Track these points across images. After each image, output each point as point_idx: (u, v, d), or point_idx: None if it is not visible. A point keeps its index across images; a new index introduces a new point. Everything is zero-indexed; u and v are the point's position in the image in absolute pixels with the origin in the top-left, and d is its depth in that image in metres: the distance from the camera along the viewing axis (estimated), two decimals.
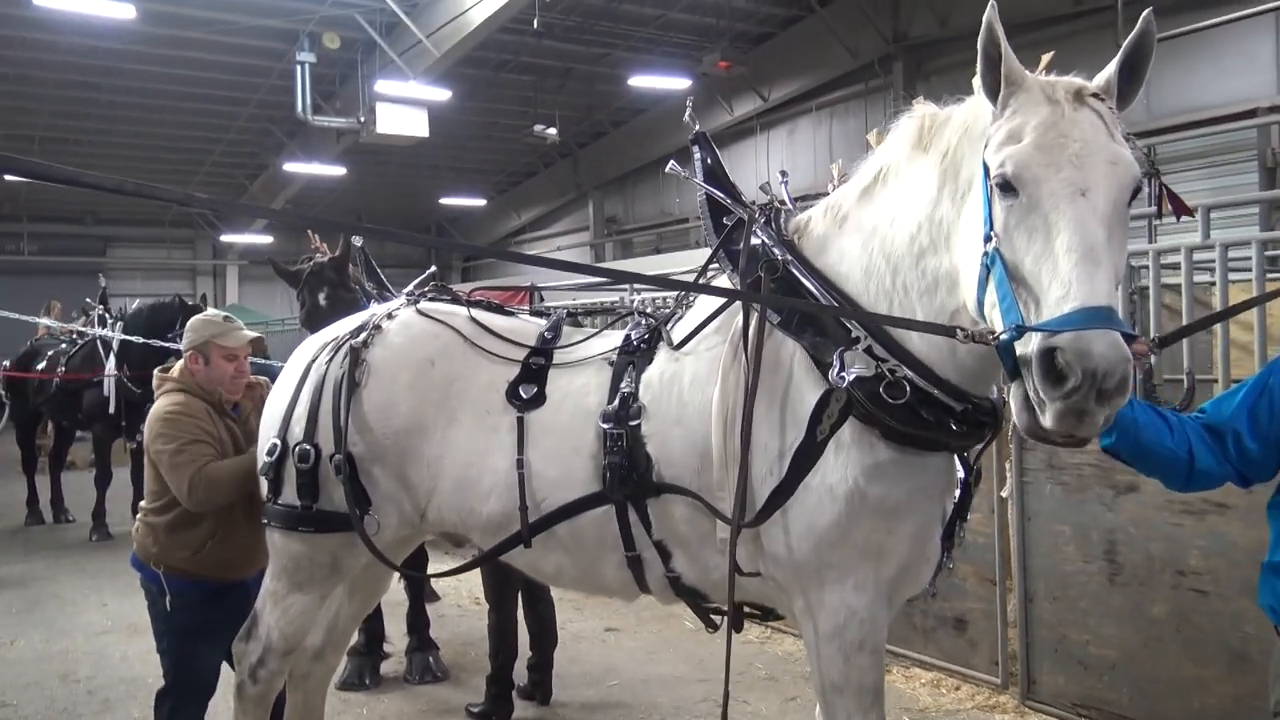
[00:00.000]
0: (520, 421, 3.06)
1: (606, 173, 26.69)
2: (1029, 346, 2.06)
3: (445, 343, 3.30)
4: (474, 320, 3.34)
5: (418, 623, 6.01)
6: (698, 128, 3.16)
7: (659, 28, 19.27)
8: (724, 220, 3.01)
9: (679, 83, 19.21)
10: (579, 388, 3.07)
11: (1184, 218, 2.40)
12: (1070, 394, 1.96)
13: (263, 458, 3.41)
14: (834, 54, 18.73)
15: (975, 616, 5.35)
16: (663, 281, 2.99)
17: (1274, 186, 13.85)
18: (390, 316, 3.43)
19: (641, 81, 19.65)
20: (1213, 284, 5.51)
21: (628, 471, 2.87)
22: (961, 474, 2.83)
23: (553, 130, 21.43)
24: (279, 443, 3.35)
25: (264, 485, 3.43)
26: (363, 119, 19.09)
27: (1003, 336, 2.14)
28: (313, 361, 3.44)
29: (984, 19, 2.24)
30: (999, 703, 5.14)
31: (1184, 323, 4.55)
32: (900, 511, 2.66)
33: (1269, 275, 5.94)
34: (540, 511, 3.02)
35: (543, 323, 3.36)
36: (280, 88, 19.94)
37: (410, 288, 3.60)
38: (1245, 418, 2.41)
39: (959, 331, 2.32)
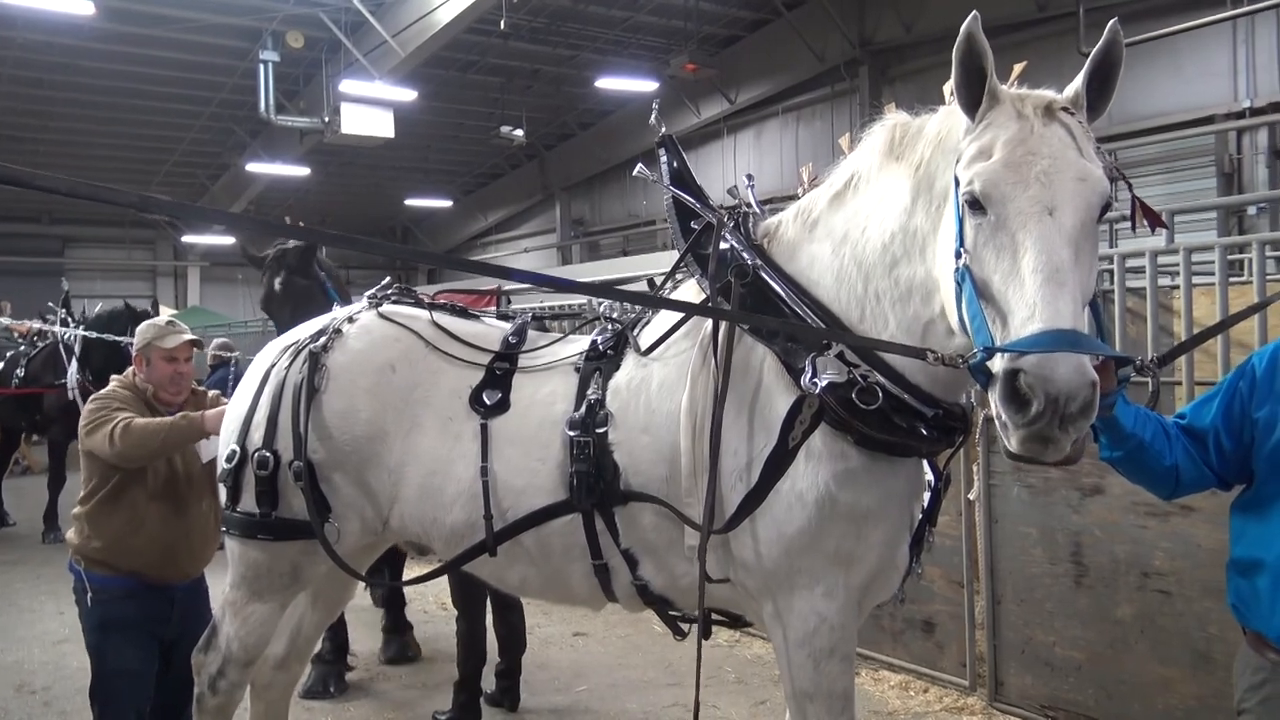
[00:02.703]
0: (484, 429, 3.02)
1: (573, 174, 26.65)
2: (997, 367, 2.06)
3: (406, 347, 3.24)
4: (436, 324, 3.29)
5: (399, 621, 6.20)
6: (664, 130, 3.13)
7: (626, 30, 19.29)
8: (691, 224, 2.99)
9: (646, 85, 19.20)
10: (545, 395, 3.03)
11: (1157, 229, 2.39)
12: (1034, 420, 1.96)
13: (222, 464, 3.35)
14: (800, 57, 18.84)
15: (943, 619, 5.36)
16: (634, 297, 2.96)
17: (1231, 191, 14.11)
18: (351, 320, 3.36)
19: (609, 83, 19.63)
20: (1175, 288, 5.58)
21: (595, 480, 2.83)
22: (931, 479, 2.82)
23: (519, 131, 21.37)
24: (238, 449, 3.29)
25: (223, 492, 3.36)
26: (327, 119, 18.96)
27: (971, 359, 2.14)
28: (272, 366, 3.37)
29: (964, 30, 2.20)
30: (967, 704, 5.15)
31: (1147, 325, 4.60)
32: (870, 518, 2.65)
33: (1231, 279, 6.02)
34: (505, 520, 2.97)
35: (507, 327, 3.32)
36: (243, 86, 19.74)
37: (373, 290, 3.53)
38: (1222, 417, 2.43)
39: (929, 354, 2.32)
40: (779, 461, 2.61)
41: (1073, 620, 4.70)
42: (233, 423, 3.38)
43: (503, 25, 15.31)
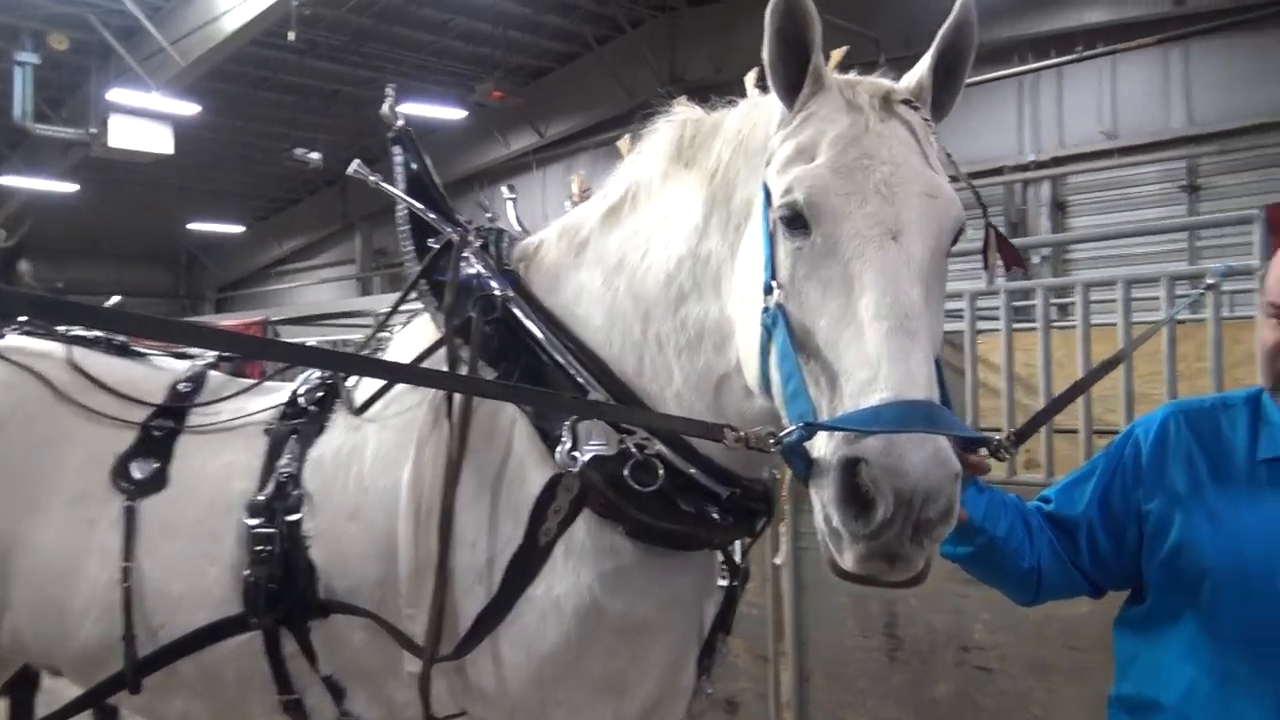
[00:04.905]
0: (130, 513, 2.22)
1: (375, 203, 25.35)
2: (824, 451, 1.50)
3: (24, 396, 2.39)
4: (74, 366, 2.44)
5: None
6: (400, 123, 2.45)
7: (432, 54, 18.60)
8: (430, 242, 2.30)
9: (454, 113, 18.60)
10: (219, 467, 2.25)
11: (1013, 269, 1.94)
12: (880, 530, 1.41)
13: None
14: (611, 92, 18.63)
15: (747, 698, 4.84)
16: (330, 359, 2.24)
17: (1015, 238, 14.73)
18: None
19: (413, 109, 18.70)
20: (988, 333, 5.34)
21: (281, 585, 2.08)
22: (725, 576, 2.23)
23: (316, 154, 20.01)
24: None
25: None
26: (94, 130, 17.17)
27: (787, 438, 1.55)
28: None
29: None
30: None
31: (966, 376, 4.28)
32: (648, 629, 2.04)
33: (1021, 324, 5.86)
34: (156, 642, 2.17)
35: (182, 369, 2.51)
36: None
37: None
38: (1098, 507, 1.92)
39: (727, 431, 1.69)
40: (528, 561, 1.96)
41: (887, 699, 4.27)
42: None
43: (291, 36, 14.20)
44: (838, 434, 1.46)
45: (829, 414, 1.51)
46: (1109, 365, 2.02)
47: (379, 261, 26.07)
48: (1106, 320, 5.17)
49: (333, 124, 21.35)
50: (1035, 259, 14.65)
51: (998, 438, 1.69)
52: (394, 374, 2.07)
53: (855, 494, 1.43)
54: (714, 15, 17.20)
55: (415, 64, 18.72)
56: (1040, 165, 15.14)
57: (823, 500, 1.49)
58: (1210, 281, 2.76)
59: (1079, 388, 1.98)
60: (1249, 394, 1.87)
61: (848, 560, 1.47)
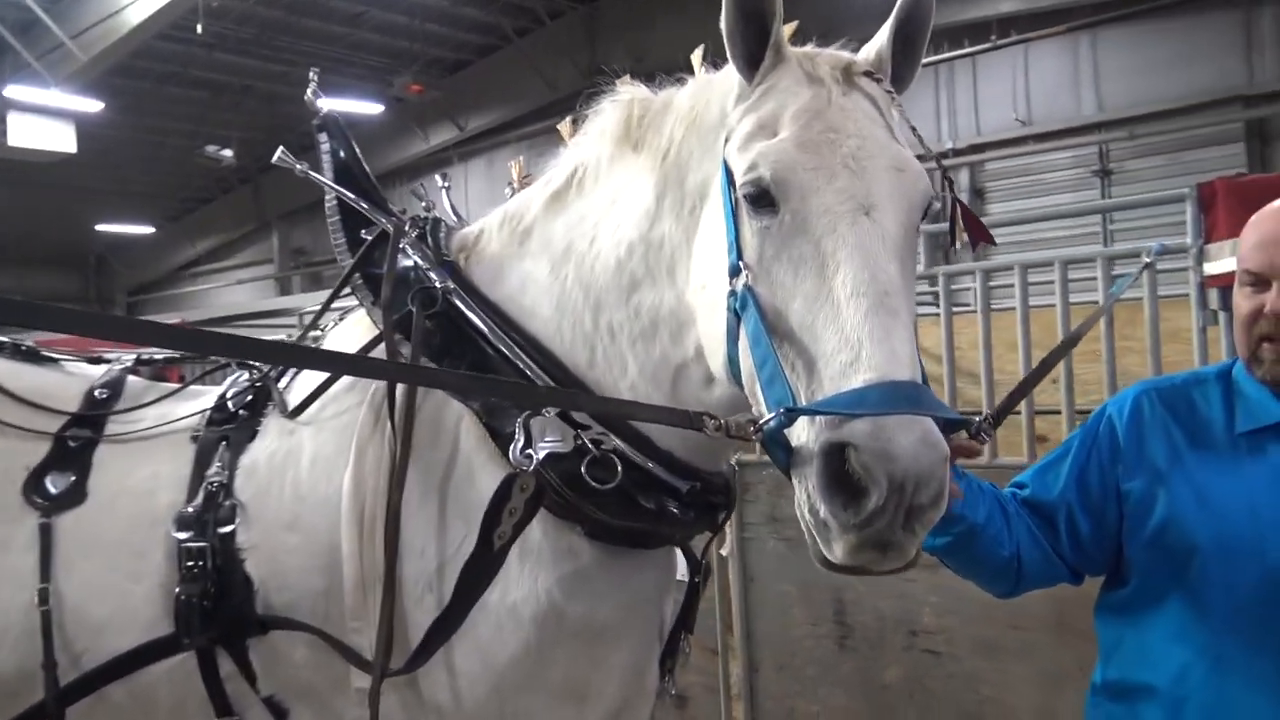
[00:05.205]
0: (46, 530, 2.05)
1: (293, 201, 24.73)
2: (806, 437, 1.44)
3: None
4: None
5: None
6: (326, 109, 2.32)
7: (347, 48, 18.17)
8: (363, 233, 2.18)
9: (371, 107, 18.23)
10: (143, 478, 2.10)
11: (980, 246, 1.92)
12: (872, 518, 1.35)
13: None
14: (532, 85, 18.43)
15: (696, 691, 4.79)
16: (267, 350, 2.10)
17: (937, 224, 15.02)
18: None
19: (329, 104, 18.11)
20: (928, 317, 5.38)
21: (215, 603, 1.95)
22: (686, 571, 2.16)
23: (228, 152, 19.56)
24: None
25: None
26: None
27: (767, 425, 1.48)
28: None
29: None
30: None
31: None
32: (609, 632, 1.96)
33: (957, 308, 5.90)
34: (80, 668, 2.01)
35: (96, 374, 2.34)
36: None
37: None
38: (1075, 489, 1.90)
39: (708, 420, 1.62)
40: (481, 566, 1.85)
41: (837, 687, 4.26)
42: None
43: (199, 29, 13.75)
44: (820, 419, 1.41)
45: (808, 399, 1.45)
46: (1070, 342, 2.03)
47: (298, 260, 25.43)
48: (1035, 303, 5.25)
49: (245, 120, 20.74)
50: (957, 245, 14.92)
51: (977, 419, 1.66)
52: (339, 368, 1.94)
53: (843, 481, 1.37)
54: (633, 6, 17.10)
55: (330, 57, 18.21)
56: (958, 153, 15.35)
57: (807, 490, 1.43)
58: (1148, 260, 2.79)
59: (1046, 365, 1.97)
60: (1220, 369, 1.87)
61: (838, 552, 1.41)
